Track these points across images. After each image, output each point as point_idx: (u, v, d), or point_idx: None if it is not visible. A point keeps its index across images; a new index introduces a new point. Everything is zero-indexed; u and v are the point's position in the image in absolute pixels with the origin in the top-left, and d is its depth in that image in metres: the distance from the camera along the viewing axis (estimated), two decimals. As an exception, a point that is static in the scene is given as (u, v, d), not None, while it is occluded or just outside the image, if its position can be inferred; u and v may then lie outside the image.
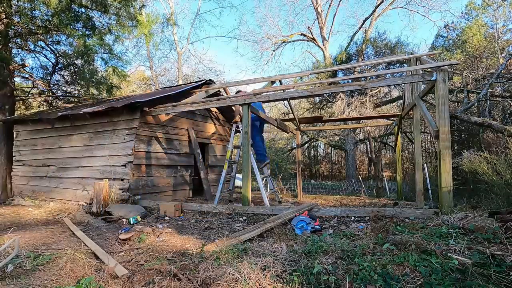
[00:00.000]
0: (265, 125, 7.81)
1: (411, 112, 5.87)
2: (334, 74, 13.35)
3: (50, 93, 9.05)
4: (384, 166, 16.06)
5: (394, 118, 7.75)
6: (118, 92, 8.93)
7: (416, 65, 4.92)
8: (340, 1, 16.28)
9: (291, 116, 10.18)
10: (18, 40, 7.58)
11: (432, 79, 3.68)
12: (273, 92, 4.90)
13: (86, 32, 7.06)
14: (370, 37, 14.57)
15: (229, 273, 1.87)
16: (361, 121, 12.73)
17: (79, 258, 2.44)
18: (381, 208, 4.24)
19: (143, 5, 8.27)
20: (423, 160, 7.82)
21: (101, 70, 8.45)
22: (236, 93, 6.28)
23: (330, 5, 16.61)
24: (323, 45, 16.23)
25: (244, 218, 4.15)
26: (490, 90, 8.57)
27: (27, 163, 6.83)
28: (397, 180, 7.38)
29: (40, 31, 7.09)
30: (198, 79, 8.89)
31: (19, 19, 6.90)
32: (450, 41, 13.21)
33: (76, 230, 3.59)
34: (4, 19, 6.72)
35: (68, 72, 8.95)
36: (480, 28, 11.09)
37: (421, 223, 3.05)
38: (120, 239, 3.09)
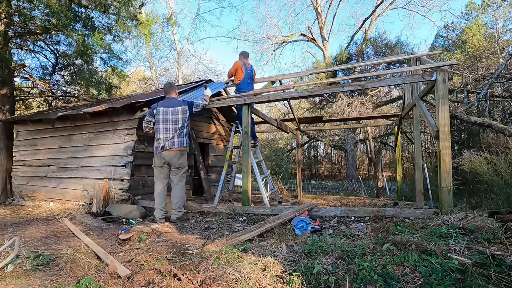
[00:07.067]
0: (265, 125, 7.78)
1: (411, 112, 5.87)
2: (334, 74, 13.35)
3: (50, 93, 9.05)
4: (384, 166, 16.06)
5: (394, 118, 7.76)
6: (118, 92, 8.92)
7: (416, 65, 4.92)
8: (340, 1, 16.30)
9: (291, 116, 10.18)
10: (18, 40, 7.59)
11: (432, 79, 3.68)
12: (273, 92, 4.90)
13: (86, 32, 7.05)
14: (370, 37, 14.57)
15: (229, 273, 1.86)
16: (361, 121, 12.75)
17: (79, 258, 2.44)
18: (381, 208, 4.24)
19: (143, 3, 8.21)
20: (423, 160, 7.82)
21: (101, 70, 8.43)
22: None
23: (330, 5, 16.62)
24: (323, 45, 16.23)
25: (244, 218, 4.15)
26: (490, 90, 8.57)
27: (27, 163, 6.83)
28: (397, 180, 7.39)
29: (40, 31, 7.08)
30: (198, 79, 8.88)
31: (18, 19, 6.90)
32: (450, 41, 13.20)
33: (76, 230, 3.59)
34: (4, 19, 6.72)
35: (68, 72, 8.95)
36: (480, 28, 11.09)
37: (421, 223, 3.04)
38: (120, 239, 3.09)
